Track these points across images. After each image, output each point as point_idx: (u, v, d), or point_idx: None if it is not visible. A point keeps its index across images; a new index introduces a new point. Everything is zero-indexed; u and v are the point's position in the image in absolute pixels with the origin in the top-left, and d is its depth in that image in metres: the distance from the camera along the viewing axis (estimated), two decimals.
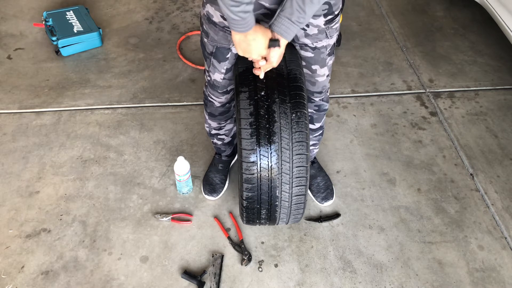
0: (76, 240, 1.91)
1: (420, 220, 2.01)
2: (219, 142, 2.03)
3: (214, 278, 1.78)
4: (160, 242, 1.91)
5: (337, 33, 1.57)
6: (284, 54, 1.50)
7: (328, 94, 1.81)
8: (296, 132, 1.45)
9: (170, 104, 2.54)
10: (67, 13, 2.97)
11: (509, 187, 2.14)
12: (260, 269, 1.83)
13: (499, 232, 1.98)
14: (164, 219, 1.98)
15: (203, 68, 2.73)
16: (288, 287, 1.78)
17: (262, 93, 1.47)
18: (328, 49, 1.57)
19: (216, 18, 1.45)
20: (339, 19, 1.55)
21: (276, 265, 1.85)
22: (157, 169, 2.19)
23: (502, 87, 2.68)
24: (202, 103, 2.52)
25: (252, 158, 1.45)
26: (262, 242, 1.91)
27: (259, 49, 1.37)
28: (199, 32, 3.02)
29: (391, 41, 3.01)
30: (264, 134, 1.44)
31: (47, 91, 2.59)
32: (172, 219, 1.98)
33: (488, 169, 2.22)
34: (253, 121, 1.45)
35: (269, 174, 1.47)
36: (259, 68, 1.44)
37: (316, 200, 2.06)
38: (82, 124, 2.40)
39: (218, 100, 1.76)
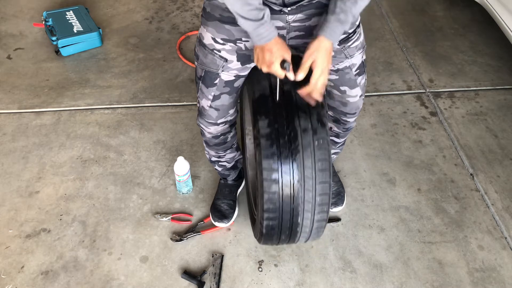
0: (76, 240, 1.91)
1: (420, 220, 2.01)
2: (221, 169, 1.94)
3: (214, 278, 1.78)
4: (160, 242, 1.91)
5: (361, 51, 1.48)
6: (306, 81, 1.40)
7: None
8: (319, 160, 1.37)
9: (170, 104, 2.54)
10: (67, 13, 2.97)
11: (509, 187, 2.14)
12: (260, 269, 1.83)
13: (499, 232, 1.98)
14: (164, 219, 1.98)
15: None
16: (288, 287, 1.78)
17: (283, 121, 1.38)
18: (354, 69, 1.49)
19: (206, 40, 1.39)
20: (358, 37, 1.45)
21: (276, 265, 1.85)
22: (157, 169, 2.19)
23: (502, 87, 2.68)
24: None
25: (274, 188, 1.38)
26: None
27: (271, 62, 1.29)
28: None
29: (391, 41, 3.01)
30: (286, 164, 1.36)
31: (47, 91, 2.59)
32: (172, 219, 1.98)
33: (488, 169, 2.22)
34: (274, 152, 1.36)
35: (291, 202, 1.40)
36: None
37: None
38: (82, 124, 2.40)
39: (207, 130, 1.65)
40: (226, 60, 1.40)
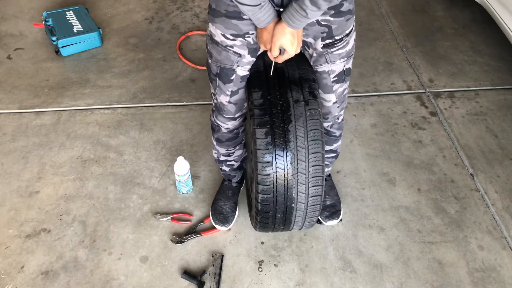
0: (76, 240, 1.91)
1: (420, 220, 2.01)
2: (228, 169, 1.93)
3: (214, 278, 1.78)
4: (160, 242, 1.91)
5: (345, 59, 1.46)
6: (297, 59, 1.46)
7: (339, 121, 1.73)
8: (311, 130, 1.41)
9: (170, 104, 2.54)
10: (67, 13, 2.97)
11: (509, 187, 2.14)
12: (260, 269, 1.83)
13: (499, 232, 1.98)
14: (164, 219, 1.98)
15: (203, 68, 2.73)
16: (288, 287, 1.78)
17: (276, 93, 1.43)
18: (332, 75, 1.49)
19: (218, 37, 1.40)
20: (345, 45, 1.43)
21: (276, 265, 1.85)
22: (157, 169, 2.19)
23: (502, 87, 2.68)
24: (202, 102, 2.53)
25: (268, 158, 1.40)
26: (262, 242, 1.91)
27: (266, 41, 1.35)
28: (199, 32, 3.03)
29: (391, 41, 3.00)
30: (279, 133, 1.40)
31: (47, 91, 2.59)
32: (172, 219, 1.98)
33: (488, 169, 2.22)
34: (267, 120, 1.40)
35: (285, 174, 1.42)
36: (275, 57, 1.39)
37: (320, 217, 1.96)
38: (82, 124, 2.40)
39: (224, 126, 1.67)
40: (240, 55, 1.42)
